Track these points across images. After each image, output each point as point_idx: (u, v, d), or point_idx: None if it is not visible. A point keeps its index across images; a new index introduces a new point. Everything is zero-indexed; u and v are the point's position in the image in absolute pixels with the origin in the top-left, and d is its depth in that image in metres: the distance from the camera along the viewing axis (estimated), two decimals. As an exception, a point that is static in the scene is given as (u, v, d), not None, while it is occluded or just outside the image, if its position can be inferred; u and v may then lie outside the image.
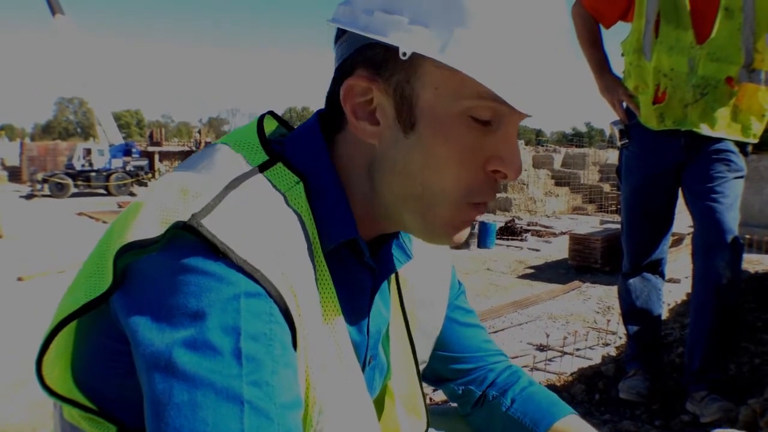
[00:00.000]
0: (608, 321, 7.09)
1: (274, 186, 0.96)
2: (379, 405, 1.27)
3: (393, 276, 1.22)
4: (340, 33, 1.01)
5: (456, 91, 0.92)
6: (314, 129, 1.06)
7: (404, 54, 0.90)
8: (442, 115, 0.93)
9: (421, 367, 1.32)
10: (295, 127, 1.12)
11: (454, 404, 1.52)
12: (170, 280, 0.83)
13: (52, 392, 0.98)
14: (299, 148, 1.04)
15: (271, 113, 1.13)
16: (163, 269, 0.84)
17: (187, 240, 0.85)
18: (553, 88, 0.94)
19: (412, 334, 1.27)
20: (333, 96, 1.04)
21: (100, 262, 0.93)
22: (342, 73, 1.00)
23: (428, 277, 1.32)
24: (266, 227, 0.89)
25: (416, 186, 0.98)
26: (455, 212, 0.99)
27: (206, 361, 0.78)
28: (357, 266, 1.07)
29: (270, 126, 1.09)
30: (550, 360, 5.80)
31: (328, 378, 0.95)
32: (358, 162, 1.03)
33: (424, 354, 1.34)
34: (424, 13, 0.90)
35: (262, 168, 0.97)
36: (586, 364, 4.85)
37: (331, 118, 1.06)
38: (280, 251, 0.88)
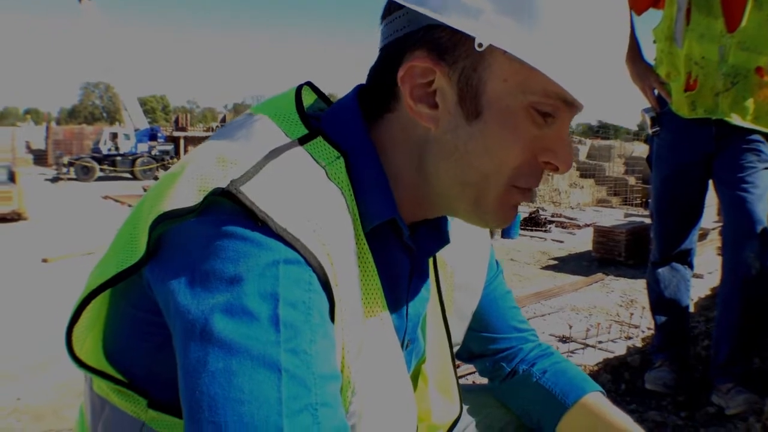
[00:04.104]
0: (631, 314, 7.05)
1: (315, 159, 0.94)
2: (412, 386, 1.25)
3: (431, 259, 1.20)
4: (394, 6, 0.98)
5: (524, 85, 0.91)
6: (353, 105, 1.04)
7: (480, 45, 0.88)
8: (510, 107, 0.93)
9: (455, 349, 1.31)
10: (333, 101, 1.10)
11: (484, 381, 1.52)
12: (207, 245, 0.81)
13: (81, 364, 0.98)
14: (337, 125, 1.02)
15: (310, 84, 1.10)
16: (200, 235, 0.83)
17: (225, 207, 0.83)
18: (616, 87, 0.95)
19: (448, 317, 1.25)
20: (381, 72, 1.02)
21: (132, 233, 0.92)
22: (399, 50, 0.97)
23: (468, 260, 1.31)
24: (306, 198, 0.87)
25: (473, 173, 0.97)
26: (503, 195, 0.99)
27: (243, 328, 0.77)
28: (396, 247, 1.05)
29: (308, 98, 1.07)
30: (572, 352, 5.79)
31: (364, 358, 0.93)
32: (406, 144, 1.01)
33: (458, 336, 1.33)
34: (502, 5, 0.88)
35: (302, 141, 0.95)
36: (608, 356, 4.82)
37: (375, 94, 1.04)
38: (320, 222, 0.86)
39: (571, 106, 0.93)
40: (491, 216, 1.02)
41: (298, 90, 1.06)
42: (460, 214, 1.06)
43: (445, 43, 0.93)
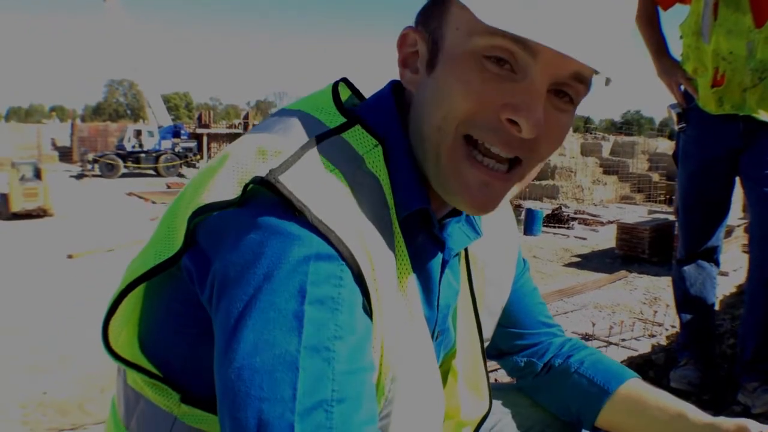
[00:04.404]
0: (655, 312, 7.01)
1: (353, 148, 0.94)
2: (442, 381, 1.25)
3: (463, 253, 1.20)
4: None
5: (470, 29, 0.89)
6: (388, 96, 1.05)
7: None
8: (456, 53, 0.91)
9: (485, 345, 1.31)
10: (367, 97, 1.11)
11: (512, 379, 1.52)
12: (243, 237, 0.82)
13: (117, 356, 1.00)
14: (373, 114, 1.02)
15: (345, 80, 1.11)
16: (238, 226, 0.84)
17: (264, 196, 0.84)
18: (568, 25, 0.85)
19: (479, 312, 1.25)
20: None
21: (171, 225, 0.93)
22: None
23: (498, 256, 1.30)
24: (344, 188, 0.88)
25: (426, 125, 0.95)
26: (456, 149, 0.93)
27: (269, 324, 0.78)
28: (427, 238, 1.05)
29: (343, 94, 1.07)
30: (595, 349, 5.75)
31: (402, 346, 0.94)
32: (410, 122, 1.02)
33: (488, 332, 1.33)
34: None
35: (341, 129, 0.96)
36: (632, 354, 4.79)
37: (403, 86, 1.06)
38: (357, 213, 0.87)
39: (533, 52, 0.86)
40: (451, 181, 0.95)
41: (335, 85, 1.07)
42: (437, 187, 0.99)
43: (428, 14, 0.98)
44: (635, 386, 1.34)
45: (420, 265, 1.03)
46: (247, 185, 0.85)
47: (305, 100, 1.05)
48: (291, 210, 0.82)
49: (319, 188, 0.85)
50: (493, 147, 0.92)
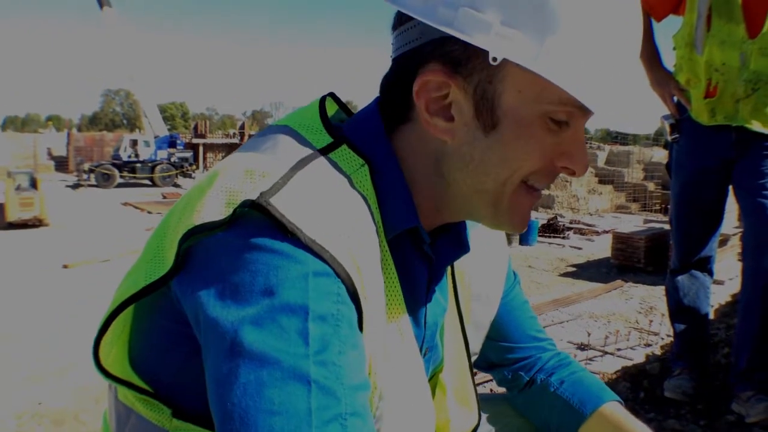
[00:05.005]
0: (650, 322, 7.02)
1: (340, 168, 0.95)
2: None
3: (449, 269, 1.21)
4: (405, 17, 0.97)
5: (539, 95, 0.92)
6: (375, 116, 1.04)
7: (494, 59, 0.88)
8: (525, 117, 0.93)
9: (473, 359, 1.31)
10: (354, 112, 1.11)
11: (502, 390, 1.52)
12: (237, 258, 0.82)
13: (107, 374, 1.00)
14: (360, 134, 1.02)
15: (332, 95, 1.11)
16: (230, 248, 0.84)
17: (255, 219, 0.84)
18: (632, 95, 0.96)
19: (466, 327, 1.26)
20: (395, 84, 1.01)
21: (160, 245, 0.93)
22: (412, 63, 0.97)
23: (485, 271, 1.31)
24: (334, 208, 0.88)
25: (489, 181, 0.98)
26: (516, 195, 1.00)
27: (272, 340, 0.78)
28: (415, 255, 1.06)
29: (330, 109, 1.08)
30: (591, 359, 5.77)
31: (389, 364, 0.95)
32: (424, 155, 1.01)
33: (476, 346, 1.34)
34: (514, 17, 0.88)
35: (327, 150, 0.96)
36: (627, 364, 4.79)
37: (391, 106, 1.04)
38: (348, 232, 0.87)
39: (586, 111, 0.94)
40: (507, 221, 1.04)
41: (322, 101, 1.07)
42: (478, 218, 1.06)
43: (458, 56, 0.92)
44: (611, 411, 1.33)
45: (407, 283, 1.03)
46: (236, 208, 0.84)
47: (293, 116, 1.05)
48: (283, 231, 0.83)
49: (310, 210, 0.86)
50: (538, 184, 1.02)
